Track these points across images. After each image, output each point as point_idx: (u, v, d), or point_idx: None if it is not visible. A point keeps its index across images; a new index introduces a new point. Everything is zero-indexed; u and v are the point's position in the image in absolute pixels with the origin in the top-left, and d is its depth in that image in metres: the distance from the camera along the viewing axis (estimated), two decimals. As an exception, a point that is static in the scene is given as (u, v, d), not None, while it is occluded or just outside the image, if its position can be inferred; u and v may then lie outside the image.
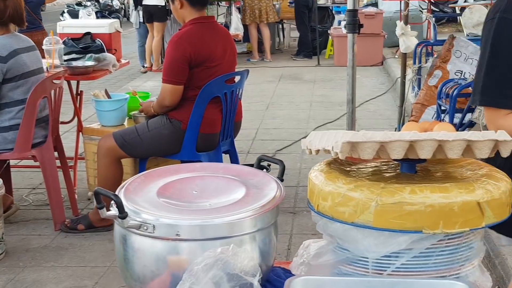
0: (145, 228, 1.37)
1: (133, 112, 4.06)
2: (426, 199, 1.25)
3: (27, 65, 3.71)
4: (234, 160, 4.00)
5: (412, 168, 1.44)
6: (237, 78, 3.89)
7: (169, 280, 1.39)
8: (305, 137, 1.57)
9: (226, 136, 3.85)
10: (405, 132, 1.31)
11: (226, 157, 3.98)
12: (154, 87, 7.90)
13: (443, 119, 3.89)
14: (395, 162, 1.51)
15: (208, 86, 3.64)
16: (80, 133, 4.64)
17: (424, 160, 1.42)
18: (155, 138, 3.72)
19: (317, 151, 1.47)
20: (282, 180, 1.56)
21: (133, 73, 9.64)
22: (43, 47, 4.39)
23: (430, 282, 1.31)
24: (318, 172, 1.44)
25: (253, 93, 7.46)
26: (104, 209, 1.41)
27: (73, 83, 4.66)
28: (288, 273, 1.51)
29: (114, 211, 1.42)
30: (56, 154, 4.09)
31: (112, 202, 1.44)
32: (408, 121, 4.74)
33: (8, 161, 4.06)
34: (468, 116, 3.70)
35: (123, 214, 1.37)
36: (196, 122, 3.65)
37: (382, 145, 1.30)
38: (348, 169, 1.50)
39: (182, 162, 4.04)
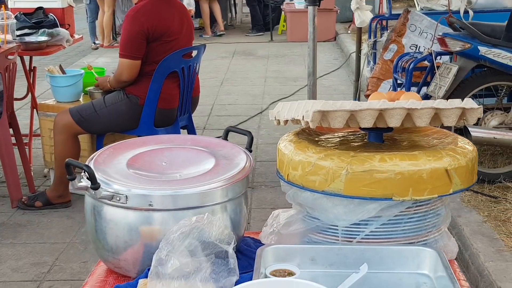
0: (118, 198, 1.37)
1: (89, 88, 4.00)
2: (396, 167, 1.28)
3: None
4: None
5: (379, 137, 1.47)
6: (194, 53, 3.87)
7: (142, 250, 1.40)
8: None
9: (183, 111, 3.84)
10: (375, 101, 1.34)
11: (183, 132, 3.97)
12: (106, 63, 7.78)
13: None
14: (362, 131, 1.54)
15: (165, 61, 3.61)
16: (35, 109, 4.55)
17: (391, 130, 1.46)
18: (113, 114, 3.68)
19: (286, 121, 1.50)
20: (250, 151, 1.57)
21: (83, 49, 9.47)
22: (-5, 22, 4.27)
23: (399, 248, 1.35)
24: (287, 142, 1.46)
25: (207, 69, 7.42)
26: (76, 180, 1.41)
27: (26, 59, 4.55)
28: (258, 243, 1.53)
29: (85, 182, 1.41)
30: (11, 131, 4.01)
31: (82, 173, 1.43)
32: (365, 95, 4.81)
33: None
34: (424, 90, 3.78)
35: (95, 185, 1.37)
36: (154, 97, 3.63)
37: (352, 113, 1.33)
38: (316, 139, 1.53)
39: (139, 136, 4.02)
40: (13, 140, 4.02)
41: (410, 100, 1.33)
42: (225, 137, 1.65)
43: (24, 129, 4.55)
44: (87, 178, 1.40)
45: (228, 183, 1.41)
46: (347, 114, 1.33)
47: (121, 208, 1.38)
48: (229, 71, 7.72)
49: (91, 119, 3.67)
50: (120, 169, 1.47)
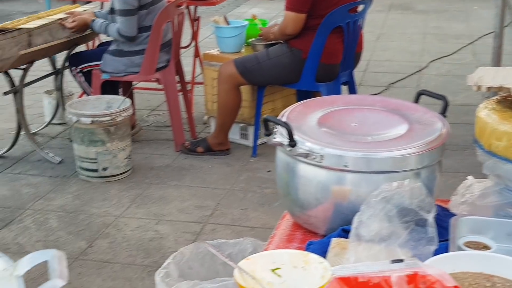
0: (313, 157, 1.39)
1: (251, 39, 4.08)
2: None
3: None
4: (353, 92, 3.96)
5: None
6: (360, 8, 3.80)
7: (332, 209, 1.42)
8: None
9: (346, 67, 3.81)
10: None
11: (344, 88, 3.96)
12: (259, 14, 7.83)
13: None
14: None
15: (331, 15, 3.58)
16: (197, 58, 4.72)
17: None
18: (275, 66, 3.73)
19: (489, 88, 1.43)
20: (445, 117, 1.53)
21: (236, 0, 9.61)
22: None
23: None
24: (490, 110, 1.40)
25: (363, 23, 7.28)
26: (271, 136, 1.44)
27: (191, 8, 4.70)
28: (445, 211, 1.50)
29: (279, 138, 1.44)
30: (176, 78, 4.19)
31: (275, 129, 1.47)
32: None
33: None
34: None
35: (292, 143, 1.39)
36: (317, 51, 3.63)
37: None
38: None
39: (299, 92, 4.06)
40: (178, 87, 4.21)
41: None
42: (416, 100, 1.62)
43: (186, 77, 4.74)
44: (282, 134, 1.43)
45: (424, 149, 1.39)
46: None
47: (315, 167, 1.40)
48: (386, 25, 7.53)
49: (254, 71, 3.75)
50: (313, 127, 1.48)
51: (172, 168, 3.83)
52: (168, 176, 3.72)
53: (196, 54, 4.74)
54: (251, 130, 4.07)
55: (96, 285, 2.69)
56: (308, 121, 1.52)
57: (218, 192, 3.52)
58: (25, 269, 0.92)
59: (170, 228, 3.14)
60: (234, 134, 4.11)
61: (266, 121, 1.45)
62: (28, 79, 3.91)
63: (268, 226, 3.12)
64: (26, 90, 3.95)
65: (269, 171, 3.73)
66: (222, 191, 3.54)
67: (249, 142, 4.08)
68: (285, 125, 1.40)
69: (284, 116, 1.53)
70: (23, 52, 3.61)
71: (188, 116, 4.30)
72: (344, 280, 0.94)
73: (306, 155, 1.40)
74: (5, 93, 3.86)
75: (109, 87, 4.00)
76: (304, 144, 1.41)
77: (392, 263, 0.96)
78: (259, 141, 4.02)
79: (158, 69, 3.94)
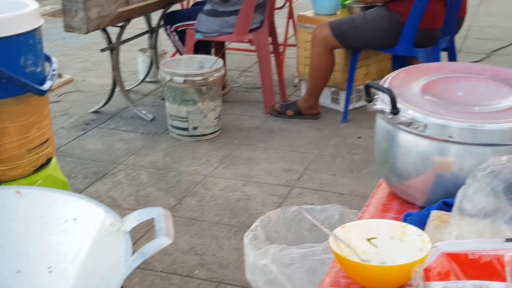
0: (416, 126, 1.33)
1: (348, 1, 3.98)
2: None
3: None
4: (452, 59, 3.80)
5: None
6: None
7: (432, 180, 1.36)
8: None
9: (447, 33, 3.65)
10: None
11: (443, 55, 3.80)
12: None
13: None
14: None
15: (434, -23, 3.43)
16: (291, 19, 4.65)
17: None
18: (372, 30, 3.62)
19: None
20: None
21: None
22: None
23: None
24: None
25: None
26: (372, 103, 1.39)
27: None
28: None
29: (381, 105, 1.39)
30: (269, 39, 4.15)
31: (376, 96, 1.41)
32: None
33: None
34: None
35: (395, 110, 1.33)
36: (417, 15, 3.49)
37: None
38: None
39: (394, 57, 3.93)
40: (270, 48, 4.17)
41: None
42: (528, 71, 1.51)
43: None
44: (384, 101, 1.37)
45: (535, 123, 1.30)
46: None
47: (418, 136, 1.34)
48: (489, -11, 7.18)
49: (349, 34, 3.66)
50: (416, 95, 1.42)
51: (261, 130, 3.83)
52: (256, 138, 3.72)
53: (290, 16, 4.67)
54: (342, 95, 4.00)
55: (184, 241, 2.74)
56: (411, 88, 1.45)
57: (307, 156, 3.49)
58: (132, 225, 0.93)
59: (257, 189, 3.15)
60: (325, 98, 4.05)
61: (368, 87, 1.39)
62: (124, 36, 3.98)
63: (356, 193, 3.07)
64: (121, 47, 4.03)
65: (359, 138, 3.66)
66: (310, 155, 3.50)
67: (340, 107, 4.01)
68: (389, 92, 1.34)
69: (386, 82, 1.47)
70: (121, 10, 3.66)
71: (279, 79, 4.27)
72: (452, 256, 0.89)
73: (408, 124, 1.34)
74: (102, 50, 3.95)
75: (202, 47, 4.02)
76: (407, 112, 1.35)
77: (507, 241, 0.90)
78: (351, 106, 3.94)
79: (251, 30, 3.92)
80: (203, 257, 2.63)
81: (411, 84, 1.47)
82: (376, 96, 1.42)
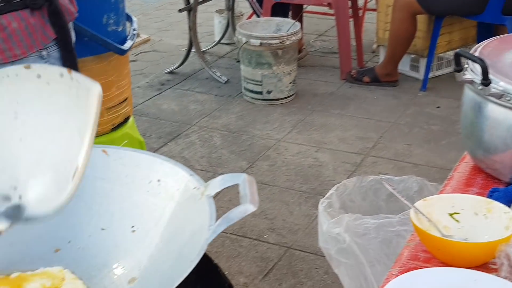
0: (507, 98, 1.26)
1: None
2: None
3: None
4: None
5: None
6: None
7: (520, 156, 1.29)
8: None
9: (539, 0, 3.46)
10: None
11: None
12: None
13: None
14: None
15: None
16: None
17: None
18: (459, -5, 3.48)
19: None
20: None
21: None
22: None
23: None
24: None
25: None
26: (461, 72, 1.32)
27: None
28: None
29: (471, 75, 1.32)
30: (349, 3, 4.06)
31: (466, 65, 1.35)
32: None
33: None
34: None
35: (486, 81, 1.27)
36: (507, -20, 3.32)
37: None
38: None
39: (480, 24, 3.77)
40: (349, 12, 4.08)
41: None
42: None
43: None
44: (473, 71, 1.31)
45: None
46: None
47: (509, 109, 1.27)
48: None
49: (433, -1, 3.53)
50: (509, 65, 1.34)
51: (336, 96, 3.77)
52: (331, 104, 3.67)
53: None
54: (423, 62, 3.88)
55: (255, 205, 2.75)
56: (504, 58, 1.37)
57: (382, 124, 3.42)
58: (216, 190, 0.92)
59: (329, 156, 3.11)
60: (403, 66, 3.94)
61: (457, 55, 1.32)
62: (201, -3, 3.98)
63: (433, 164, 2.99)
64: (198, 8, 4.02)
65: (438, 107, 3.55)
66: (386, 123, 3.43)
67: (419, 75, 3.90)
68: (481, 62, 1.27)
69: (477, 51, 1.39)
70: (199, -31, 3.65)
71: (357, 44, 4.18)
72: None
73: (499, 96, 1.27)
74: (180, 10, 3.96)
75: (279, 9, 3.97)
76: (499, 83, 1.27)
77: None
78: (431, 75, 3.82)
79: (330, -7, 3.84)
80: (273, 222, 2.63)
81: (504, 54, 1.39)
82: (465, 66, 1.36)
